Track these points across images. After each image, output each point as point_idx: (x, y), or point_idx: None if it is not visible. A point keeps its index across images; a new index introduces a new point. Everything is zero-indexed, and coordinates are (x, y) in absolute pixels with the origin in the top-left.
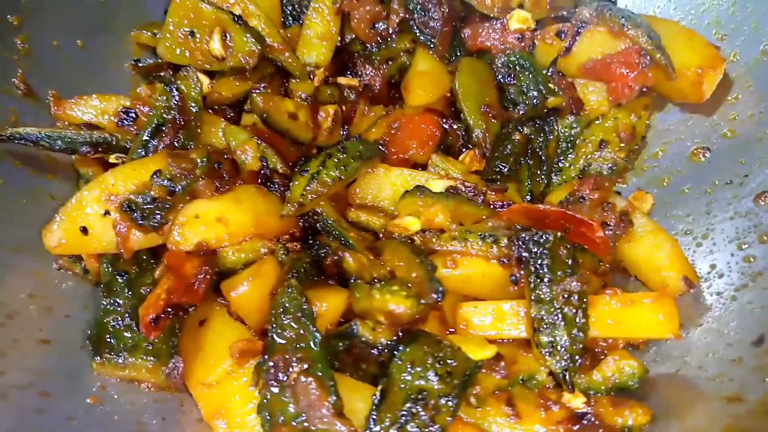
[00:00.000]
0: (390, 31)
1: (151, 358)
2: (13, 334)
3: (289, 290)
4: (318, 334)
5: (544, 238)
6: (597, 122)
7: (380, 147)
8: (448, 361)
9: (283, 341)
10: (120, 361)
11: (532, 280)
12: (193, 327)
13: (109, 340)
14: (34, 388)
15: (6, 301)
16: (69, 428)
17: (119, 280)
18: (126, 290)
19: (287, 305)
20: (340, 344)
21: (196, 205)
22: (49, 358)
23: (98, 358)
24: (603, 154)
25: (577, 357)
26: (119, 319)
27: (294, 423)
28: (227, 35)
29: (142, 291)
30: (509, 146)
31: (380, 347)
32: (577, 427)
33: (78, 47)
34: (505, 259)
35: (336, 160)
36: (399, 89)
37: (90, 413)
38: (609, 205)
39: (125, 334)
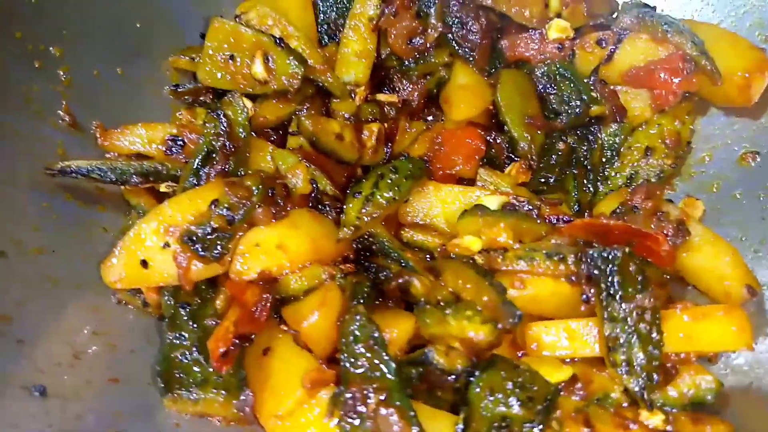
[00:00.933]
0: (428, 46)
1: (222, 392)
2: (84, 374)
3: (358, 317)
4: (393, 363)
5: (613, 254)
6: (641, 129)
7: (426, 164)
8: (528, 386)
9: (358, 371)
10: (191, 396)
11: (603, 298)
12: (257, 356)
13: (178, 375)
14: (113, 431)
15: (72, 341)
16: None
17: (182, 312)
18: (190, 323)
19: (357, 333)
20: (413, 371)
21: (256, 234)
22: (121, 397)
23: (169, 394)
24: (650, 162)
25: (654, 374)
26: (186, 352)
27: None
28: (269, 58)
29: (206, 323)
30: (554, 156)
31: (456, 373)
32: None
33: (117, 75)
34: (573, 277)
35: (389, 181)
36: (438, 104)
37: None
38: (663, 213)
39: (194, 368)
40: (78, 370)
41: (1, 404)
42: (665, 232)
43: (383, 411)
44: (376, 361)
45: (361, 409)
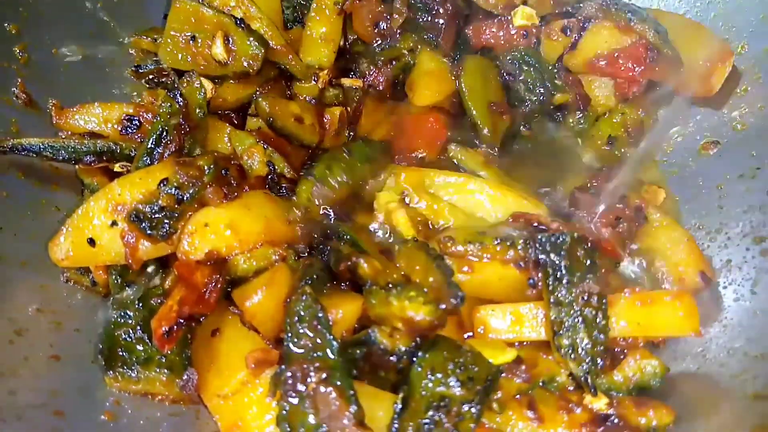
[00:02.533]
0: (393, 31)
1: (165, 371)
2: (23, 351)
3: (304, 298)
4: (335, 342)
5: (561, 239)
6: (605, 117)
7: (386, 147)
8: (469, 367)
9: (300, 350)
10: (133, 374)
11: (550, 282)
12: (205, 337)
13: (121, 353)
14: (48, 408)
15: (14, 318)
16: None
17: (128, 292)
18: (136, 302)
19: (302, 313)
20: (358, 351)
21: (205, 214)
22: (61, 374)
23: (110, 372)
24: (612, 150)
25: (598, 359)
26: (131, 331)
27: None
28: (230, 39)
29: (152, 302)
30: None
31: (399, 354)
32: (601, 429)
33: (77, 55)
34: (522, 263)
35: (342, 164)
36: (403, 88)
37: (105, 430)
38: (623, 198)
39: (137, 347)
40: (18, 346)
41: None
42: (620, 216)
43: (322, 390)
44: (319, 341)
45: (301, 388)
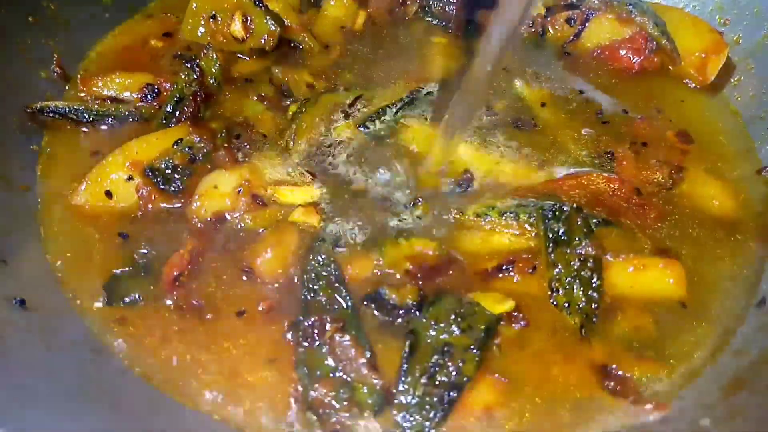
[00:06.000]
0: (406, 18)
1: None
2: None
3: (321, 256)
4: (350, 298)
5: (561, 207)
6: None
7: None
8: (469, 316)
9: (317, 304)
10: None
11: (549, 246)
12: None
13: None
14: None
15: None
16: None
17: None
18: None
19: (319, 270)
20: (372, 305)
21: (215, 176)
22: None
23: None
24: None
25: (593, 316)
26: None
27: (332, 375)
28: (248, 18)
29: None
30: None
31: (407, 307)
32: None
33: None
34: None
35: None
36: None
37: None
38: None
39: None
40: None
41: None
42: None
43: (338, 337)
44: (336, 296)
45: (317, 336)
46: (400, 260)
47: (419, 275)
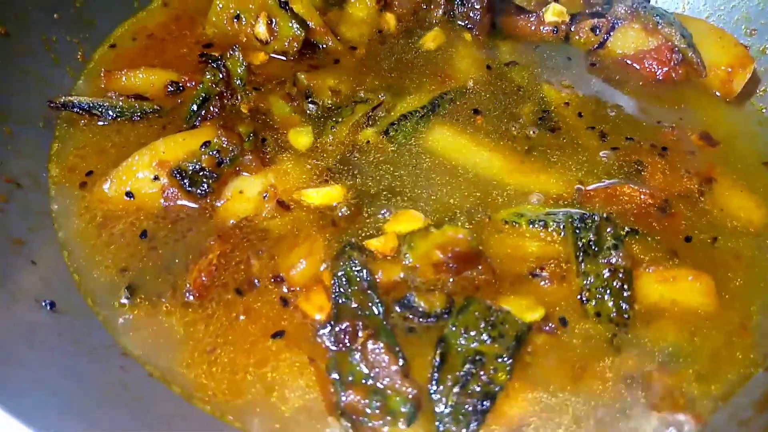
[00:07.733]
0: (433, 22)
1: None
2: None
3: (353, 262)
4: (381, 304)
5: (592, 217)
6: None
7: None
8: (499, 325)
9: (348, 309)
10: None
11: (579, 255)
12: None
13: None
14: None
15: None
16: None
17: None
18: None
19: (352, 276)
20: (400, 311)
21: (242, 181)
22: None
23: None
24: None
25: (624, 326)
26: None
27: (364, 382)
28: (273, 20)
29: None
30: None
31: (436, 315)
32: None
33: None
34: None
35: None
36: None
37: None
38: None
39: None
40: None
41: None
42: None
43: (371, 344)
44: (368, 302)
45: (349, 342)
46: (431, 251)
47: (449, 265)
